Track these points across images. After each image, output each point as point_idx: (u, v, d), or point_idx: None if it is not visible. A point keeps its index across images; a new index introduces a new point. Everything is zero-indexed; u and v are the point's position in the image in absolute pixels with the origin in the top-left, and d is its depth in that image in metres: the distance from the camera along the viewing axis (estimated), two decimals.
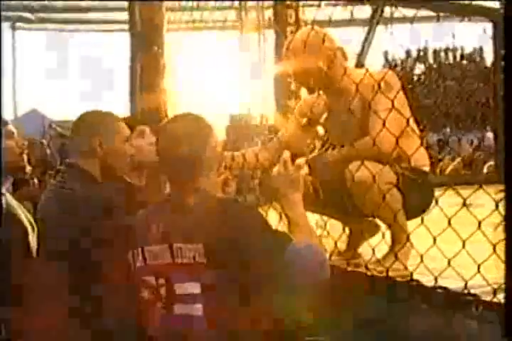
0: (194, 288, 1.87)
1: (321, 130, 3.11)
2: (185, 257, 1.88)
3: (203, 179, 1.97)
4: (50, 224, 2.35)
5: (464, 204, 2.08)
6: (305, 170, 2.15)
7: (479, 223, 2.02)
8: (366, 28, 6.78)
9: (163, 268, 1.92)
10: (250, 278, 1.84)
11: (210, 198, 1.96)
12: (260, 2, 6.38)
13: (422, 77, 15.30)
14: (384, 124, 2.51)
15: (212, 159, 2.00)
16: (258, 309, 1.88)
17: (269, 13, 6.38)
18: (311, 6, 6.25)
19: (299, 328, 2.31)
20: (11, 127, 2.40)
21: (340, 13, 3.32)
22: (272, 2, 6.43)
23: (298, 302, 2.02)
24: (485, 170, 8.41)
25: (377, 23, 6.66)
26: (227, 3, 6.11)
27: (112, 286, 2.11)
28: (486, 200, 2.08)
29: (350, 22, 2.97)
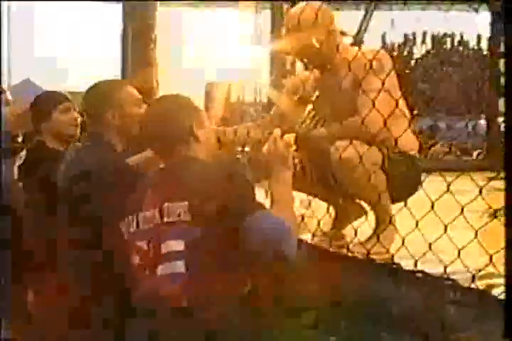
0: (178, 245, 1.92)
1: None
2: (171, 215, 1.94)
3: (192, 150, 2.06)
4: (70, 191, 2.40)
5: (448, 190, 2.06)
6: (293, 146, 2.14)
7: (462, 208, 2.01)
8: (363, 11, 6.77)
9: (153, 230, 1.98)
10: (224, 238, 1.89)
11: (199, 164, 2.05)
12: None
13: (420, 61, 15.24)
14: (373, 104, 2.49)
15: (200, 133, 2.08)
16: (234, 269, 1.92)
17: None
18: None
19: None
20: (8, 95, 2.39)
21: None
22: None
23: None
24: (474, 157, 8.41)
25: (375, 6, 6.64)
26: None
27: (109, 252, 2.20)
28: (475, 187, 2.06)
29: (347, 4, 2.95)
